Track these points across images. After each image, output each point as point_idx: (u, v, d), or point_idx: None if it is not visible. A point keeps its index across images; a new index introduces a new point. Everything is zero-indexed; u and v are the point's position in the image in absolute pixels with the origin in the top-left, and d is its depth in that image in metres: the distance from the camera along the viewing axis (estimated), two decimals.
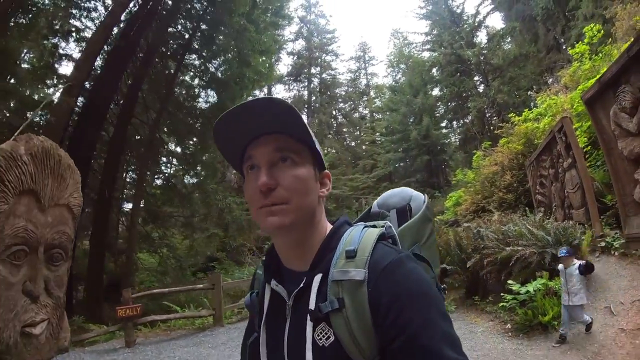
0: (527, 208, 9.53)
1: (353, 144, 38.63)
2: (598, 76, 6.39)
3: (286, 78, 36.10)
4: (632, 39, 5.21)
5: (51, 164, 3.09)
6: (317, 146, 0.77)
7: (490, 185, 12.91)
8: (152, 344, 6.48)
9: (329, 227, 0.81)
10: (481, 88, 31.18)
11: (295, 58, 37.04)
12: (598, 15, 16.22)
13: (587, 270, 4.27)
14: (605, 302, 4.28)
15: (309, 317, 0.70)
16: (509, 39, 28.93)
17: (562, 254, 4.51)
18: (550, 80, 26.48)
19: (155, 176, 15.84)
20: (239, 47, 13.10)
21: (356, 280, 0.67)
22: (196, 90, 15.55)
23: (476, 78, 31.97)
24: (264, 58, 15.56)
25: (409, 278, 0.67)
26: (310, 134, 0.73)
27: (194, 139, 15.15)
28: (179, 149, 16.39)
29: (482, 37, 32.54)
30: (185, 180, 16.17)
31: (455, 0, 33.61)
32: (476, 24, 31.91)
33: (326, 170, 0.81)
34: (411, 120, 34.11)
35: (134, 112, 12.90)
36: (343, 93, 40.09)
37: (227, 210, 15.06)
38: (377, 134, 38.43)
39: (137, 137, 14.16)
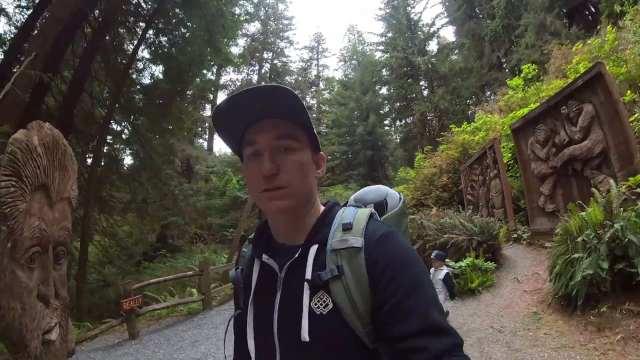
0: (459, 205, 11.72)
1: None
2: (525, 112, 8.64)
3: (237, 60, 35.76)
4: (554, 93, 7.35)
5: (59, 155, 2.88)
6: (314, 130, 0.82)
7: (429, 184, 15.08)
8: (153, 333, 6.58)
9: (322, 206, 0.89)
10: (426, 93, 34.22)
11: (249, 40, 36.81)
12: (538, 46, 19.30)
13: (448, 283, 4.71)
14: (514, 275, 6.24)
15: (305, 286, 0.74)
16: (457, 52, 32.48)
17: (433, 256, 5.05)
18: (489, 93, 30.63)
19: (104, 159, 14.54)
20: (204, 23, 12.48)
21: (355, 247, 0.74)
22: (150, 67, 14.58)
23: (422, 83, 35.03)
24: (225, 39, 14.94)
25: (401, 247, 0.75)
26: (309, 119, 0.79)
27: (145, 119, 14.26)
28: (128, 130, 15.18)
29: (433, 46, 35.77)
30: (136, 163, 15.43)
31: (414, 8, 36.24)
32: (430, 34, 34.97)
33: (321, 152, 0.87)
34: (358, 115, 36.06)
35: (84, 87, 12.12)
36: (293, 82, 40.44)
37: (182, 197, 14.90)
38: (323, 125, 39.57)
39: (87, 114, 13.22)
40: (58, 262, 2.96)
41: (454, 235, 7.36)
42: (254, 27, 37.28)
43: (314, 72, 45.30)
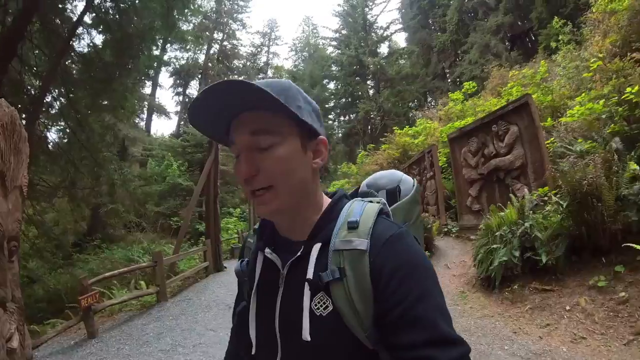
0: None
1: None
2: (462, 124, 9.89)
3: (191, 39, 33.79)
4: (488, 111, 8.55)
5: (15, 138, 2.29)
6: (304, 114, 0.73)
7: None
8: (110, 329, 6.26)
9: (326, 199, 0.83)
10: (372, 92, 35.91)
11: (200, 17, 35.69)
12: (480, 63, 21.44)
13: None
14: (445, 262, 7.29)
15: (306, 286, 0.71)
16: (406, 58, 34.42)
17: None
18: (430, 99, 33.07)
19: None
20: None
21: (359, 249, 0.69)
22: (91, 33, 12.89)
23: (370, 83, 36.68)
24: (182, 15, 13.98)
25: (409, 251, 0.70)
26: (285, 105, 0.67)
27: (84, 93, 12.67)
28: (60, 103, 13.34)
29: (384, 49, 37.59)
30: (69, 142, 13.60)
31: (372, 10, 37.73)
32: (383, 37, 36.76)
33: (321, 137, 0.77)
34: None
35: (16, 51, 10.61)
36: (241, 66, 39.62)
37: (120, 182, 13.59)
38: None
39: (16, 83, 11.55)
40: (11, 259, 2.61)
41: None
42: (207, 4, 35.90)
43: (264, 59, 44.81)
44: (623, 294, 3.84)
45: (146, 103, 27.03)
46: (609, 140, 5.12)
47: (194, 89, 35.54)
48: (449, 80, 28.79)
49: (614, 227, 4.24)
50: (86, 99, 12.75)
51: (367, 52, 34.08)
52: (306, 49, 42.59)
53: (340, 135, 40.13)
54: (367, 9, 37.02)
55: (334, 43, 38.88)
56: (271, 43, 45.01)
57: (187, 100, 34.39)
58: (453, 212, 9.78)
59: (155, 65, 19.53)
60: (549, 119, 7.57)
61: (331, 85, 39.62)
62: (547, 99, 8.12)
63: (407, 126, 17.81)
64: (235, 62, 39.18)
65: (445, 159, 11.27)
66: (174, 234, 18.84)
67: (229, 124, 0.74)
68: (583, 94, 6.57)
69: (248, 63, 41.25)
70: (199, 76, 34.93)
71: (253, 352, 0.83)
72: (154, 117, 31.32)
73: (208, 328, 5.84)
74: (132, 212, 17.15)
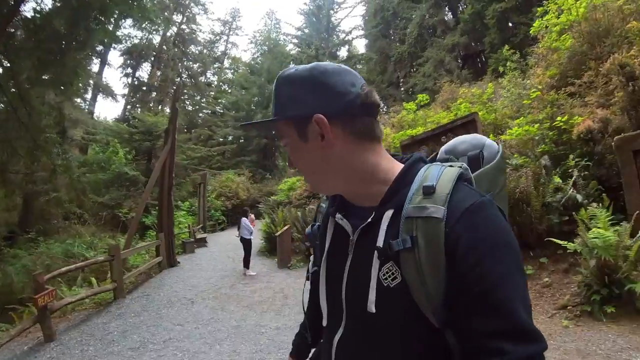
0: None
1: (191, 108, 36.85)
2: (414, 132, 10.84)
3: (158, 20, 30.91)
4: (438, 122, 9.45)
5: None
6: (287, 105, 0.75)
7: None
8: (68, 331, 5.78)
9: (396, 164, 0.79)
10: None
11: None
12: (433, 77, 22.87)
13: None
14: None
15: (375, 255, 0.69)
16: (364, 64, 35.47)
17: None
18: (383, 106, 34.17)
19: None
20: None
21: (434, 217, 0.64)
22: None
23: None
24: None
25: (492, 224, 0.64)
26: (276, 110, 0.76)
27: (27, 64, 11.18)
28: None
29: (344, 53, 38.40)
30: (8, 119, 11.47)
31: (337, 13, 38.62)
32: (344, 41, 37.73)
33: (315, 116, 0.71)
34: (259, 102, 36.32)
35: None
36: (197, 53, 38.13)
37: (63, 169, 12.13)
38: (221, 105, 38.55)
39: None
40: None
41: None
42: None
43: (222, 48, 43.52)
44: (547, 279, 5.06)
45: (92, 82, 24.58)
46: (539, 158, 6.26)
47: (145, 72, 33.42)
48: (403, 89, 30.35)
49: (539, 227, 5.49)
50: (30, 71, 11.31)
51: (327, 54, 34.81)
52: (266, 43, 41.90)
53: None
54: (332, 12, 37.90)
55: (295, 41, 39.13)
56: (231, 32, 43.97)
57: (136, 82, 32.31)
58: None
59: (106, 40, 17.46)
60: (491, 135, 8.32)
61: None
62: (491, 117, 9.01)
63: None
64: (192, 47, 37.68)
65: None
66: (121, 227, 17.84)
67: None
68: (522, 117, 7.63)
69: (205, 50, 39.88)
70: (152, 59, 32.91)
71: (324, 322, 0.85)
72: (99, 98, 28.73)
73: (175, 323, 5.78)
74: (74, 202, 15.67)
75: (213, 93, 39.28)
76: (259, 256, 10.81)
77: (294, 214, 11.49)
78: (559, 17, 8.81)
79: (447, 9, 27.76)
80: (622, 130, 5.48)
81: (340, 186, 0.79)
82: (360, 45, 41.01)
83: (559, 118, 6.37)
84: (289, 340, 4.13)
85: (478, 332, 0.60)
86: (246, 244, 9.06)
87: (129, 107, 32.22)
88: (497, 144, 0.95)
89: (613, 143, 5.04)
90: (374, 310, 0.69)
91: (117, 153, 21.08)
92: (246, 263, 9.08)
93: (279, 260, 9.57)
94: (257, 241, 10.94)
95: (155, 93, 33.27)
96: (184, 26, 36.28)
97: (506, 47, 12.93)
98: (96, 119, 27.59)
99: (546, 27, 9.37)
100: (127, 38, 30.02)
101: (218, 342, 4.87)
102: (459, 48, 23.73)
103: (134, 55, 31.43)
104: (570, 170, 5.68)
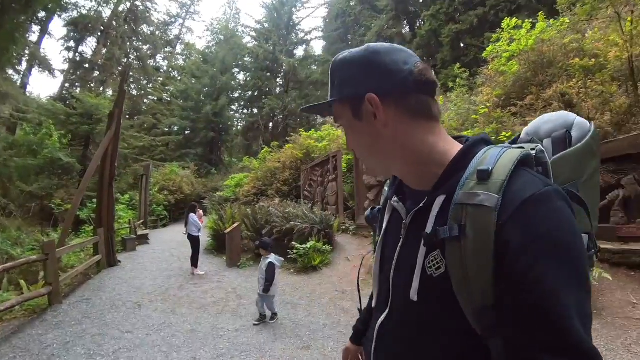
0: (296, 199, 13.69)
1: (135, 93, 34.12)
2: None
3: None
4: None
5: None
6: (342, 86, 0.77)
7: (272, 177, 16.89)
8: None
9: (455, 145, 0.75)
10: (279, 91, 36.36)
11: None
12: None
13: (268, 273, 5.02)
14: (345, 255, 8.30)
15: (423, 241, 0.67)
16: (319, 65, 35.55)
17: (256, 244, 5.56)
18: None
19: None
20: None
21: (485, 206, 0.59)
22: None
23: (279, 81, 37.15)
24: None
25: (554, 220, 0.57)
26: (329, 97, 0.80)
27: None
28: None
29: (300, 52, 38.51)
30: None
31: (299, 11, 38.38)
32: (302, 40, 37.79)
33: (368, 95, 0.72)
34: (209, 93, 35.29)
35: None
36: (149, 33, 35.51)
37: None
38: (169, 93, 36.75)
39: None
40: None
41: (299, 224, 8.99)
42: None
43: (176, 32, 41.42)
44: None
45: (28, 51, 21.84)
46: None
47: (89, 47, 30.30)
48: None
49: None
50: None
51: (284, 51, 34.84)
52: (223, 32, 40.58)
53: (240, 128, 39.63)
54: (295, 9, 37.78)
55: (254, 34, 38.46)
56: (188, 16, 41.82)
57: (78, 58, 29.31)
58: (350, 213, 11.03)
59: (51, 7, 16.81)
60: None
61: (241, 76, 39.13)
62: None
63: (308, 129, 18.80)
64: (144, 27, 34.96)
65: (346, 164, 12.38)
66: (52, 221, 16.10)
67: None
68: (469, 130, 8.27)
69: (158, 32, 37.36)
70: (99, 34, 29.95)
71: (374, 304, 0.86)
72: (35, 71, 25.33)
73: (123, 330, 5.29)
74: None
75: (161, 79, 37.00)
76: (205, 255, 10.33)
77: (243, 211, 11.31)
78: (509, 45, 9.71)
79: (405, 22, 29.12)
80: None
81: (396, 167, 0.79)
82: (318, 47, 41.53)
83: (503, 133, 7.03)
84: (250, 342, 4.18)
85: (526, 346, 0.55)
86: (194, 241, 8.65)
87: (67, 85, 28.95)
88: (590, 122, 0.84)
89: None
90: (415, 298, 0.68)
91: (50, 136, 18.64)
92: (194, 262, 8.64)
93: (228, 259, 9.27)
94: (204, 238, 10.47)
95: (98, 72, 30.28)
96: (138, 2, 33.41)
97: (457, 65, 13.87)
98: (29, 95, 24.12)
99: (497, 52, 10.23)
100: (74, 7, 27.66)
101: (174, 350, 4.56)
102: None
103: (79, 28, 28.26)
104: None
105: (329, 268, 7.85)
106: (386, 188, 0.92)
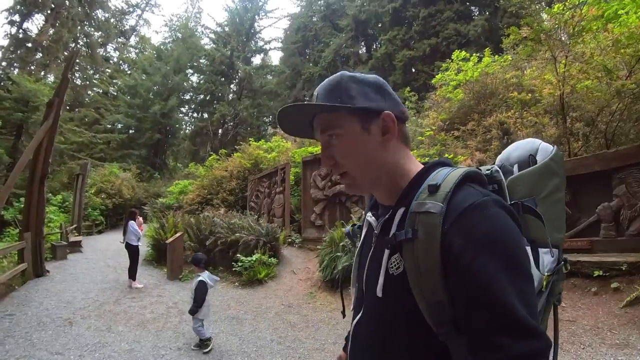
0: (242, 210, 13.37)
1: (79, 82, 31.35)
2: (316, 151, 11.33)
3: None
4: None
5: None
6: (357, 98, 0.83)
7: (218, 186, 16.37)
8: None
9: (420, 166, 0.86)
10: (231, 97, 36.05)
11: None
12: None
13: (195, 292, 4.60)
14: (291, 268, 8.16)
15: (387, 245, 0.78)
16: (275, 75, 35.78)
17: (190, 261, 5.49)
18: None
19: None
20: None
21: (432, 212, 0.69)
22: None
23: (233, 88, 36.81)
24: None
25: (488, 222, 0.67)
26: (335, 105, 0.82)
27: None
28: None
29: (257, 60, 38.43)
30: None
31: (261, 20, 38.33)
32: (261, 49, 37.70)
33: (385, 112, 0.83)
34: (159, 91, 33.97)
35: None
36: (103, 19, 32.95)
37: None
38: (116, 87, 34.55)
39: None
40: None
41: (244, 235, 8.72)
42: None
43: (132, 22, 38.69)
44: None
45: None
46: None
47: (35, 25, 27.19)
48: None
49: None
50: None
51: (242, 58, 34.52)
52: (182, 30, 39.19)
53: (188, 132, 38.44)
54: (257, 17, 37.65)
55: (213, 36, 37.68)
56: (147, 8, 39.29)
57: (20, 35, 26.18)
58: (296, 225, 10.96)
59: None
60: None
61: (194, 78, 38.17)
62: None
63: (258, 139, 18.61)
64: (99, 12, 32.15)
65: (294, 177, 12.36)
66: None
67: (312, 123, 0.90)
68: (414, 150, 8.61)
69: (113, 20, 34.73)
70: (49, 12, 26.89)
71: (351, 307, 0.96)
72: None
73: (52, 352, 4.72)
74: None
75: (110, 70, 34.34)
76: (144, 266, 9.62)
77: (186, 220, 10.82)
78: (457, 75, 10.34)
79: (363, 44, 30.19)
80: None
81: (380, 182, 0.86)
82: (275, 57, 41.66)
83: (445, 155, 7.38)
84: None
85: (476, 330, 0.63)
86: (133, 251, 7.97)
87: (4, 64, 25.72)
88: (553, 146, 0.97)
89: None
90: (380, 295, 0.77)
91: None
92: (132, 274, 7.95)
93: (169, 271, 8.70)
94: (144, 248, 9.70)
95: (41, 54, 27.20)
96: None
97: (408, 88, 14.56)
98: None
99: (445, 80, 10.84)
100: None
101: None
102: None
103: (27, 1, 25.32)
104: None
105: (274, 281, 7.68)
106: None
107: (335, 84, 0.85)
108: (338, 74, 0.87)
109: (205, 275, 4.75)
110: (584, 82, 6.75)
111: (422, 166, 0.86)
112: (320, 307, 5.97)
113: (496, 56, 10.26)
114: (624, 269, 4.66)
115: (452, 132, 8.67)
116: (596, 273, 4.83)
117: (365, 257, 0.89)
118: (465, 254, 0.65)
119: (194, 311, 4.58)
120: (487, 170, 0.86)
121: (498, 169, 0.87)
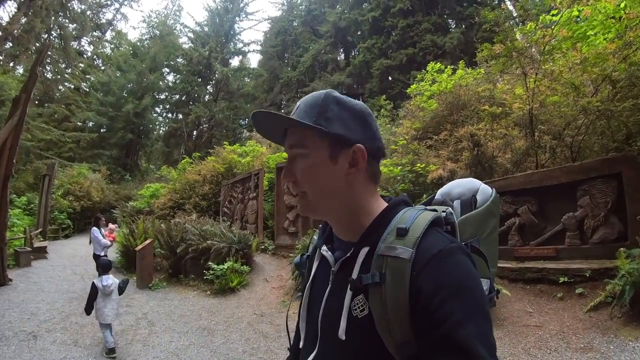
0: (215, 215, 13.16)
1: (50, 76, 29.33)
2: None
3: None
4: None
5: None
6: (333, 124, 0.80)
7: (190, 190, 15.93)
8: None
9: (383, 205, 0.86)
10: (207, 98, 35.68)
11: None
12: None
13: (90, 293, 4.75)
14: (264, 276, 8.05)
15: (349, 286, 0.76)
16: (252, 78, 35.68)
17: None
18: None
19: None
20: None
21: (402, 258, 0.70)
22: None
23: (210, 89, 36.41)
24: None
25: (457, 270, 0.69)
26: (307, 124, 0.79)
27: None
28: None
29: (235, 62, 38.14)
30: None
31: (241, 21, 38.23)
32: (239, 51, 37.39)
33: (357, 145, 0.80)
34: (133, 90, 33.13)
35: None
36: (79, 12, 30.99)
37: None
38: (88, 83, 33.16)
39: None
40: None
41: (216, 242, 8.52)
42: None
43: (109, 16, 36.89)
44: None
45: None
46: (399, 194, 7.30)
47: (6, 13, 25.73)
48: (284, 112, 31.64)
49: None
50: None
51: (220, 59, 34.07)
52: (160, 27, 38.20)
53: (162, 132, 37.64)
54: (238, 19, 37.39)
55: (191, 35, 36.93)
56: (125, 2, 37.33)
57: None
58: (270, 232, 10.84)
59: None
60: None
61: (170, 77, 37.48)
62: None
63: (233, 142, 18.38)
64: (75, 3, 30.11)
65: (267, 183, 12.27)
66: None
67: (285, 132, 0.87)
68: (387, 160, 8.72)
69: (89, 12, 32.89)
70: None
71: (301, 344, 0.93)
72: None
73: None
74: None
75: (83, 65, 32.38)
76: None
77: (157, 226, 10.46)
78: (432, 85, 10.60)
79: (342, 50, 30.54)
80: None
81: (339, 214, 0.85)
82: (254, 60, 41.46)
83: (418, 164, 7.59)
84: None
85: None
86: (96, 264, 7.04)
87: None
88: (491, 189, 1.02)
89: None
90: (343, 338, 0.75)
91: None
92: None
93: (138, 280, 8.33)
94: (112, 255, 9.34)
95: (11, 44, 25.24)
96: None
97: (383, 96, 14.80)
98: None
99: (420, 90, 11.09)
100: None
101: None
102: (342, 87, 26.03)
103: None
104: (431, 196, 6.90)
105: (247, 290, 7.56)
106: (315, 237, 1.01)
107: (317, 101, 0.82)
108: (324, 91, 0.85)
109: (96, 279, 4.86)
110: (552, 98, 7.05)
111: (385, 204, 0.86)
112: (293, 315, 5.84)
113: (470, 69, 10.55)
114: (588, 275, 4.90)
115: (425, 141, 8.84)
116: (562, 279, 5.07)
117: (320, 294, 0.86)
118: (435, 299, 0.66)
119: (86, 309, 4.80)
120: (443, 212, 0.85)
121: (452, 211, 0.89)
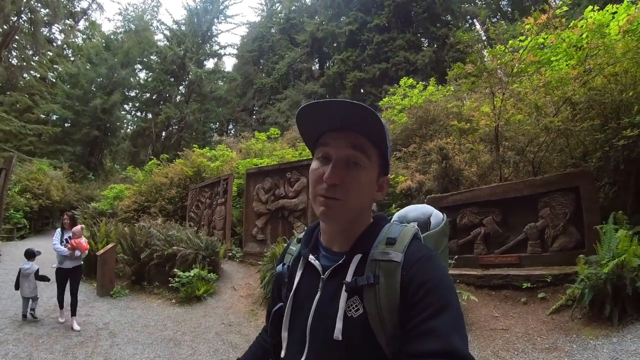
0: (181, 220, 12.74)
1: (15, 62, 27.50)
2: (262, 162, 11.25)
3: None
4: (284, 157, 10.08)
5: None
6: (389, 153, 0.91)
7: (156, 193, 15.25)
8: None
9: (370, 219, 0.95)
10: (178, 99, 34.95)
11: None
12: (287, 115, 25.08)
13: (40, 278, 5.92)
14: (231, 284, 7.80)
15: (344, 289, 0.82)
16: (226, 81, 35.23)
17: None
18: (231, 127, 34.53)
19: None
20: None
21: (395, 261, 0.80)
22: None
23: (182, 90, 35.61)
24: None
25: (437, 270, 0.80)
26: (386, 141, 0.86)
27: None
28: None
29: (211, 64, 37.81)
30: None
31: (220, 23, 37.65)
32: (215, 53, 36.87)
33: (388, 176, 0.93)
34: (103, 84, 31.82)
35: None
36: None
37: None
38: (56, 73, 31.37)
39: None
40: None
41: (182, 248, 8.21)
42: None
43: (84, 5, 35.93)
44: None
45: None
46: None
47: None
48: (255, 117, 31.74)
49: None
50: None
51: (194, 60, 33.46)
52: (136, 22, 37.01)
53: (129, 131, 36.34)
54: (215, 20, 36.86)
55: (168, 33, 35.82)
56: None
57: None
58: (237, 239, 10.65)
59: None
60: None
61: (142, 74, 36.40)
62: None
63: (203, 146, 18.04)
64: None
65: (236, 188, 12.06)
66: None
67: (323, 132, 0.87)
68: None
69: (65, 0, 31.43)
70: None
71: (282, 353, 0.94)
72: None
73: None
74: None
75: (51, 54, 30.71)
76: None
77: (120, 229, 9.93)
78: (403, 99, 10.92)
79: (317, 60, 30.84)
80: (433, 191, 7.48)
81: (351, 226, 0.91)
82: (229, 64, 41.11)
83: (388, 175, 7.70)
84: None
85: (417, 353, 0.70)
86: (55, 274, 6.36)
87: None
88: (442, 214, 1.17)
89: (426, 200, 6.62)
90: (340, 338, 0.80)
91: None
92: (70, 305, 6.24)
93: (99, 287, 7.82)
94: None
95: None
96: None
97: None
98: None
99: (391, 103, 11.34)
100: None
101: None
102: (315, 96, 26.28)
103: None
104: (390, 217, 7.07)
105: (214, 298, 7.29)
106: (292, 247, 1.06)
107: (385, 125, 0.86)
108: (381, 117, 0.84)
109: (22, 264, 5.91)
110: (517, 117, 7.44)
111: (370, 218, 0.95)
112: (262, 325, 5.74)
113: (440, 86, 10.91)
114: (549, 280, 5.22)
115: (394, 153, 9.00)
116: (525, 285, 5.36)
117: (306, 302, 0.90)
118: (420, 291, 0.75)
119: (15, 287, 5.92)
120: (414, 227, 0.95)
121: (418, 228, 0.96)
